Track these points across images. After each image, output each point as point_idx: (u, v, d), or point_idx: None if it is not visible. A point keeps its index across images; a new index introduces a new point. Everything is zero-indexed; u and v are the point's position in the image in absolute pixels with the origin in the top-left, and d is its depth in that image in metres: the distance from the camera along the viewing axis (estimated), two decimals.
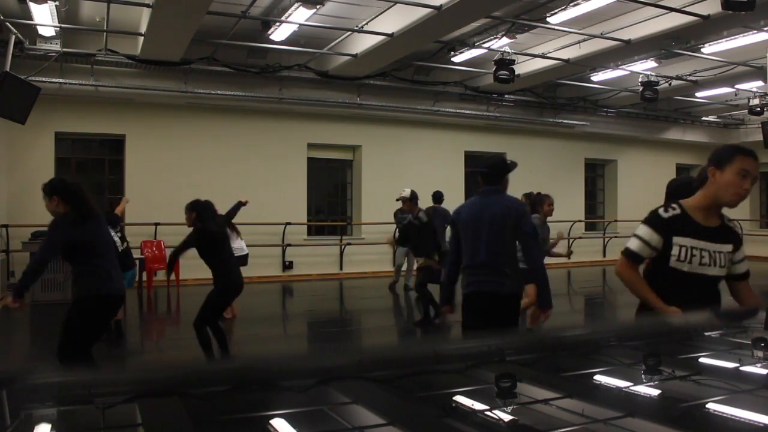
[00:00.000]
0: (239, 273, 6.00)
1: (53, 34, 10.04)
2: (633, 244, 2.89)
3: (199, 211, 5.95)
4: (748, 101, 14.20)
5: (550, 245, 7.43)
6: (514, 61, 10.97)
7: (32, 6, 8.46)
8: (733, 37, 10.58)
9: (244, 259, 8.26)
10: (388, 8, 9.63)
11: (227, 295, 5.95)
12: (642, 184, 16.88)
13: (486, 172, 4.27)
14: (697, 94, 15.01)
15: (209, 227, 5.83)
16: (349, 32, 10.70)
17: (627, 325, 2.62)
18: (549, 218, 6.94)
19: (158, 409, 1.10)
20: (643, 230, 2.87)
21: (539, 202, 6.76)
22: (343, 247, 13.76)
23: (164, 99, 11.84)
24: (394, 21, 9.70)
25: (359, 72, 12.29)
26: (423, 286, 7.91)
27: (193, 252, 10.49)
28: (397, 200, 8.43)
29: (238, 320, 8.44)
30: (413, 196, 8.09)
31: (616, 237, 17.06)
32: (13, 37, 9.21)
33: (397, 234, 10.63)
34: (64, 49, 10.40)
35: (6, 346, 7.63)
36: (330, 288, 12.62)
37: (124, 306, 6.06)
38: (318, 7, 8.95)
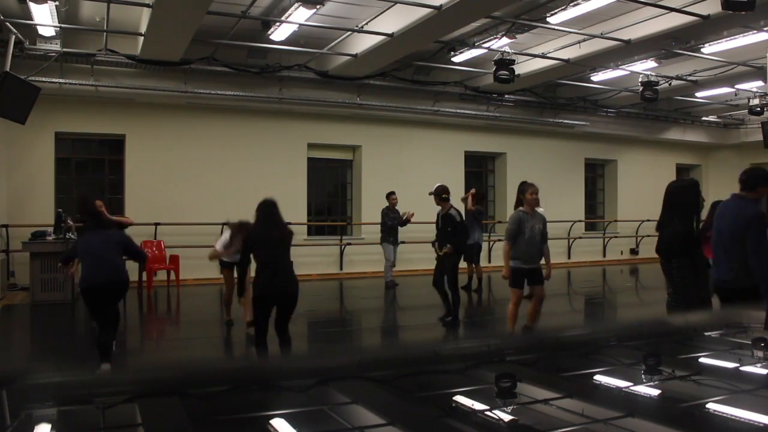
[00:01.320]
0: (271, 281, 5.42)
1: (53, 34, 10.04)
2: None
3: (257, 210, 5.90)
4: (748, 101, 14.21)
5: None
6: (514, 61, 10.96)
7: (32, 6, 8.46)
8: (733, 37, 10.58)
9: None
10: (388, 8, 9.63)
11: (256, 302, 5.56)
12: (642, 184, 16.89)
13: (742, 179, 4.89)
14: (697, 94, 15.01)
15: (250, 227, 5.89)
16: (349, 32, 10.69)
17: (627, 325, 2.62)
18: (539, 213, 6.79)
19: (158, 409, 1.10)
20: None
21: (521, 192, 6.60)
22: (343, 247, 13.76)
23: (164, 99, 11.84)
24: (394, 21, 9.70)
25: (359, 72, 12.29)
26: (455, 279, 7.98)
27: (191, 252, 10.51)
28: (431, 194, 8.24)
29: (238, 320, 8.44)
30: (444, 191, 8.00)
31: (616, 237, 17.08)
32: (13, 37, 9.21)
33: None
34: (64, 49, 10.39)
35: (6, 346, 7.62)
36: (330, 288, 12.62)
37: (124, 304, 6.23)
38: (318, 7, 8.94)
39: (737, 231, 4.65)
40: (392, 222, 11.15)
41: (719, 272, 4.82)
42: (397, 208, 11.25)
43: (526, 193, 6.51)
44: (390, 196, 11.41)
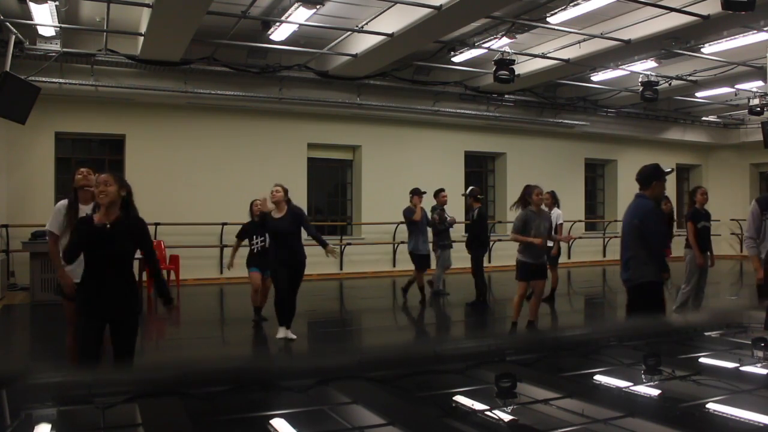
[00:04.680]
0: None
1: (53, 34, 10.04)
2: None
3: None
4: (748, 101, 14.20)
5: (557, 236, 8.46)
6: (514, 61, 10.96)
7: (32, 6, 8.46)
8: (733, 37, 10.58)
9: None
10: (388, 8, 9.63)
11: None
12: None
13: (637, 179, 5.09)
14: (697, 94, 15.01)
15: None
16: (349, 32, 10.69)
17: (627, 325, 2.62)
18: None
19: (158, 409, 1.10)
20: None
21: (528, 194, 6.90)
22: (343, 247, 13.75)
23: (164, 99, 11.83)
24: (394, 21, 9.70)
25: (359, 72, 12.29)
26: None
27: (191, 252, 10.51)
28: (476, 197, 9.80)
29: (238, 320, 8.44)
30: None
31: (616, 237, 17.06)
32: (13, 37, 9.21)
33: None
34: (64, 49, 10.39)
35: (6, 346, 7.62)
36: (330, 288, 12.62)
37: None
38: (318, 7, 8.94)
39: (633, 227, 4.85)
40: (447, 225, 9.89)
41: (623, 272, 5.01)
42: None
43: (533, 195, 6.83)
44: (440, 193, 10.04)
